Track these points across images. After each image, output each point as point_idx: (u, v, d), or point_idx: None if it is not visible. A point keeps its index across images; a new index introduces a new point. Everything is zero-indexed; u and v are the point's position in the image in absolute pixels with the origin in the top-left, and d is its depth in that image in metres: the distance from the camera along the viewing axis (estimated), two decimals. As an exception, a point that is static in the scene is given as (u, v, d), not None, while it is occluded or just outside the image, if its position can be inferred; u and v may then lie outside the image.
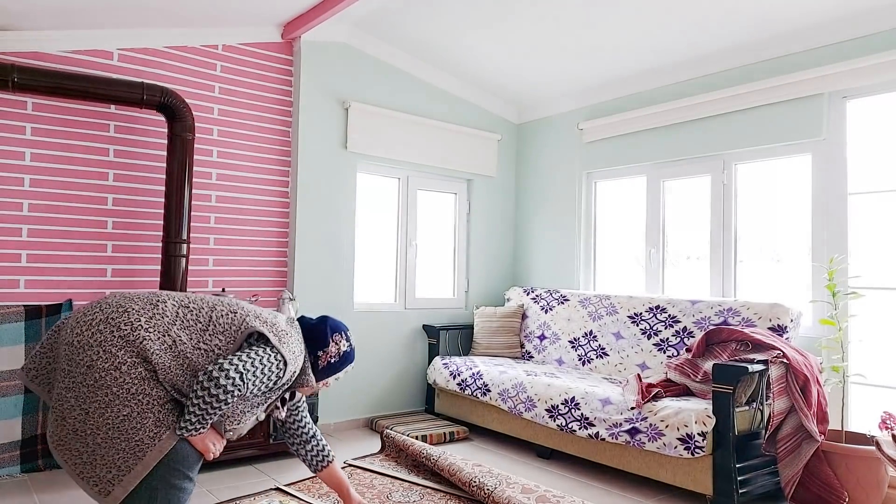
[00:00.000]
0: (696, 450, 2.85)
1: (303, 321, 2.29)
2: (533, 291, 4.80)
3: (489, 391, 3.95)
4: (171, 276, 3.51)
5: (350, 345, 2.29)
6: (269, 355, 1.96)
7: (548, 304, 4.63)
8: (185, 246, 3.55)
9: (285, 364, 2.01)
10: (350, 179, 4.38)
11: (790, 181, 3.75)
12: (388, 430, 3.82)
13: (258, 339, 2.01)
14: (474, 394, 4.06)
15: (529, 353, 4.63)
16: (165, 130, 3.65)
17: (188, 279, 3.67)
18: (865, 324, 3.31)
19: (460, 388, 4.18)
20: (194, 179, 3.78)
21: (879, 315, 3.26)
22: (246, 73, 4.04)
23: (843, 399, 3.10)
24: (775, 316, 3.33)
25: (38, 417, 3.26)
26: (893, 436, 2.60)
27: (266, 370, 1.94)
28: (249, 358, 1.90)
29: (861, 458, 2.85)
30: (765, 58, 3.73)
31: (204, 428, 1.90)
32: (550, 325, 4.53)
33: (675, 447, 2.91)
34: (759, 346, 3.06)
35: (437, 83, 4.85)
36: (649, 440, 3.02)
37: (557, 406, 3.49)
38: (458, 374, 4.23)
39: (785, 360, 2.95)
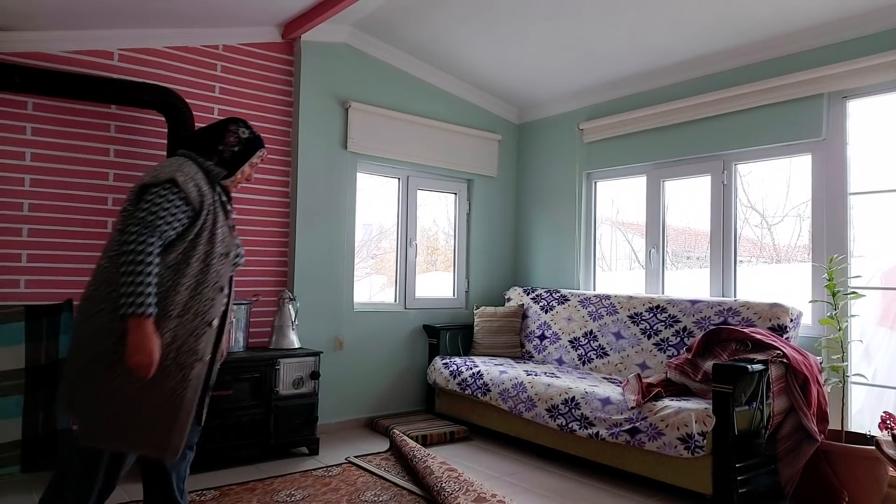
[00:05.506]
0: (696, 449, 2.85)
1: (195, 133, 2.29)
2: (533, 291, 4.80)
3: (489, 391, 3.95)
4: (172, 276, 3.51)
5: (251, 132, 2.27)
6: (157, 190, 1.96)
7: (548, 303, 4.63)
8: (185, 246, 3.55)
9: (173, 182, 1.98)
10: (350, 179, 4.38)
11: (790, 181, 3.75)
12: (393, 430, 3.83)
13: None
14: (474, 394, 4.06)
15: (529, 352, 4.63)
16: (165, 130, 3.65)
17: (188, 279, 3.67)
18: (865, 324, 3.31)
19: (460, 388, 4.18)
20: (194, 179, 3.78)
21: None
22: (246, 74, 4.04)
23: (843, 399, 3.10)
24: (775, 316, 3.33)
25: (38, 417, 3.25)
26: (893, 436, 2.60)
27: (163, 201, 1.94)
28: (140, 211, 1.93)
29: (861, 457, 2.85)
30: (764, 58, 3.73)
31: (145, 302, 1.84)
32: (550, 325, 4.53)
33: (675, 447, 2.91)
34: (759, 345, 3.06)
35: (438, 83, 4.85)
36: (649, 440, 3.02)
37: (557, 406, 3.49)
38: (459, 374, 4.23)
39: (785, 360, 2.95)
